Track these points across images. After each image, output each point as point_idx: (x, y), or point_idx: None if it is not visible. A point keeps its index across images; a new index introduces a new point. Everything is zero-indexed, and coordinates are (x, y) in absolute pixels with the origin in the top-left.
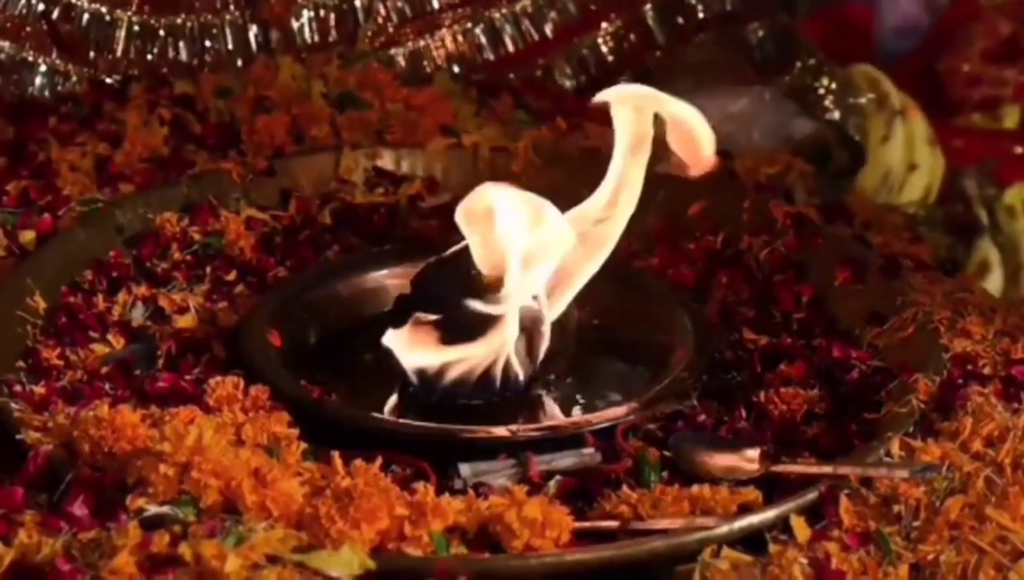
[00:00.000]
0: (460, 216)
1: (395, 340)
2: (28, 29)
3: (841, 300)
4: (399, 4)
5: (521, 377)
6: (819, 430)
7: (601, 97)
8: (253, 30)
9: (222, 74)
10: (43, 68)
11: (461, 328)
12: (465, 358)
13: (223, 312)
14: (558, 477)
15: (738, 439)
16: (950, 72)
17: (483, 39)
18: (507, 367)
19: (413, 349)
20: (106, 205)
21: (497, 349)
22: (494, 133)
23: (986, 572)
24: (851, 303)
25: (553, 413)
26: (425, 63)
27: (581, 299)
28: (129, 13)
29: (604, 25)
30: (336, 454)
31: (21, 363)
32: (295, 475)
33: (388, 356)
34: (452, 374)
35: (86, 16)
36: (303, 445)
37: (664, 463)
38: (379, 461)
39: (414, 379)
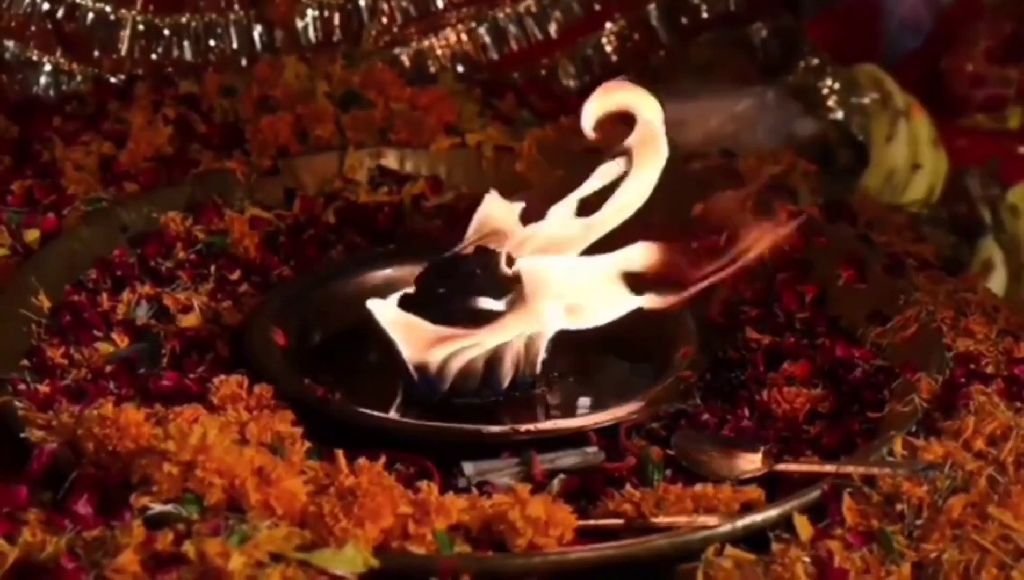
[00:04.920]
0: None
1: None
2: (33, 28)
3: (844, 299)
4: (403, 4)
5: (525, 375)
6: (822, 429)
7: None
8: (257, 29)
9: (226, 73)
10: (48, 67)
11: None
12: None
13: (227, 311)
14: (561, 476)
15: (741, 438)
16: (954, 72)
17: (487, 39)
18: (510, 364)
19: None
20: (110, 204)
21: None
22: (498, 133)
23: (988, 571)
24: (854, 302)
25: (556, 412)
26: (429, 63)
27: None
28: (133, 12)
29: (608, 25)
30: (340, 452)
31: (25, 362)
32: (299, 473)
33: (392, 355)
34: (453, 370)
35: (91, 15)
36: (307, 444)
37: (667, 462)
38: (383, 459)
39: (415, 374)
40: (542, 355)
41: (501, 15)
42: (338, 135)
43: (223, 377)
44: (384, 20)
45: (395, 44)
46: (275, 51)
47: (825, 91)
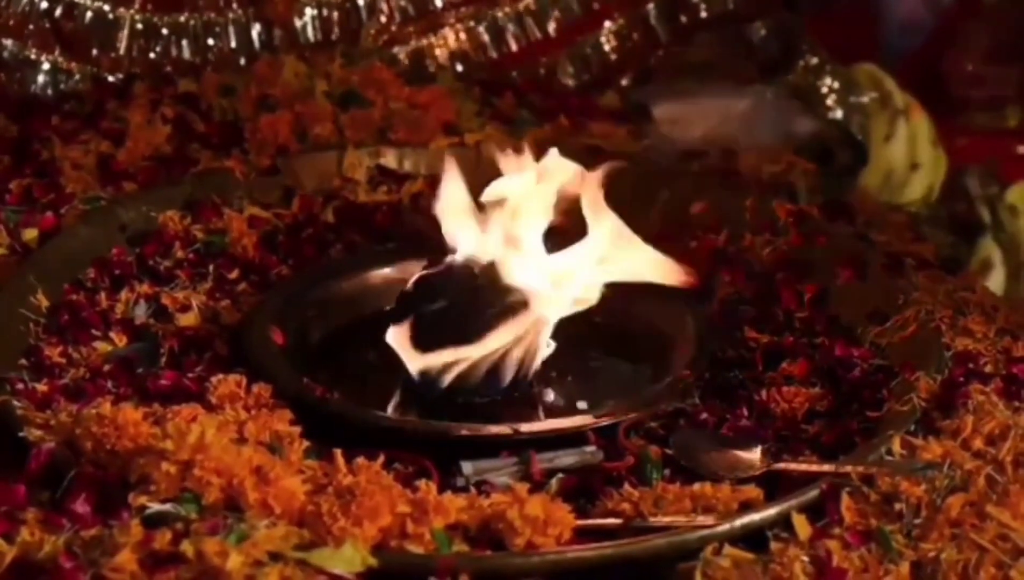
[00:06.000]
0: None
1: (397, 337)
2: (31, 27)
3: (843, 298)
4: (402, 3)
5: (525, 375)
6: (821, 428)
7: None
8: (256, 28)
9: (225, 72)
10: (46, 66)
11: (467, 325)
12: (468, 357)
13: (226, 310)
14: (560, 475)
15: (740, 437)
16: (953, 71)
17: (486, 37)
18: (509, 364)
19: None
20: (109, 203)
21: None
22: (497, 132)
23: (987, 570)
24: (853, 301)
25: (555, 411)
26: (428, 62)
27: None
28: (132, 11)
29: (607, 24)
30: (338, 452)
31: (24, 361)
32: (297, 473)
33: (390, 354)
34: (454, 372)
35: (89, 14)
36: (305, 443)
37: (666, 461)
38: (381, 459)
39: (416, 377)
40: (541, 355)
41: (500, 14)
42: (337, 134)
43: (221, 376)
44: (383, 19)
45: (394, 43)
46: (274, 50)
47: (824, 90)
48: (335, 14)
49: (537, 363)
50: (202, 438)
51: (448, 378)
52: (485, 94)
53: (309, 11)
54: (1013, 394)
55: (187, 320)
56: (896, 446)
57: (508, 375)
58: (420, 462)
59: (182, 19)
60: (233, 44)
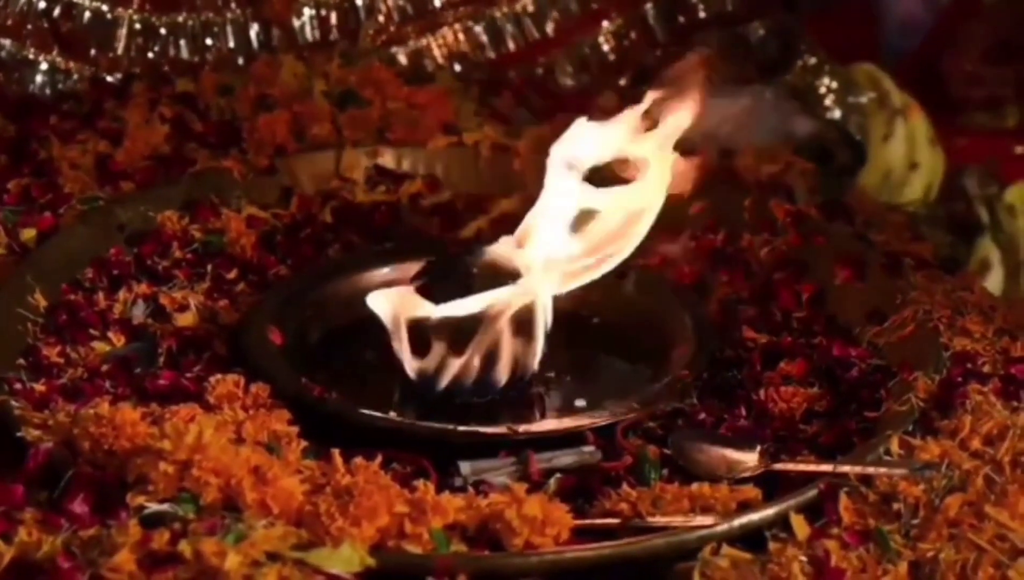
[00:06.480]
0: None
1: (379, 300)
2: (29, 27)
3: (841, 298)
4: (401, 2)
5: (523, 374)
6: (819, 428)
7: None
8: (255, 28)
9: (223, 72)
10: (44, 66)
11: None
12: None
13: (224, 310)
14: (558, 475)
15: (738, 437)
16: (951, 71)
17: (484, 37)
18: (505, 362)
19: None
20: (107, 203)
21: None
22: (495, 131)
23: (985, 570)
24: (851, 301)
25: (553, 411)
26: (426, 61)
27: (582, 296)
28: (130, 11)
29: (605, 24)
30: (336, 452)
31: (22, 361)
32: (295, 473)
33: (389, 354)
34: (452, 364)
35: (87, 14)
36: (303, 443)
37: (664, 461)
38: (379, 459)
39: (414, 376)
40: (539, 353)
41: (498, 14)
42: (335, 134)
43: (220, 376)
44: (381, 19)
45: (392, 43)
46: (272, 50)
47: (823, 90)
48: (333, 14)
49: (535, 362)
50: (200, 438)
51: (447, 374)
52: (483, 94)
53: (307, 11)
54: (1011, 394)
55: (185, 320)
56: (894, 446)
57: (505, 374)
58: (418, 462)
59: (180, 19)
60: (231, 44)
